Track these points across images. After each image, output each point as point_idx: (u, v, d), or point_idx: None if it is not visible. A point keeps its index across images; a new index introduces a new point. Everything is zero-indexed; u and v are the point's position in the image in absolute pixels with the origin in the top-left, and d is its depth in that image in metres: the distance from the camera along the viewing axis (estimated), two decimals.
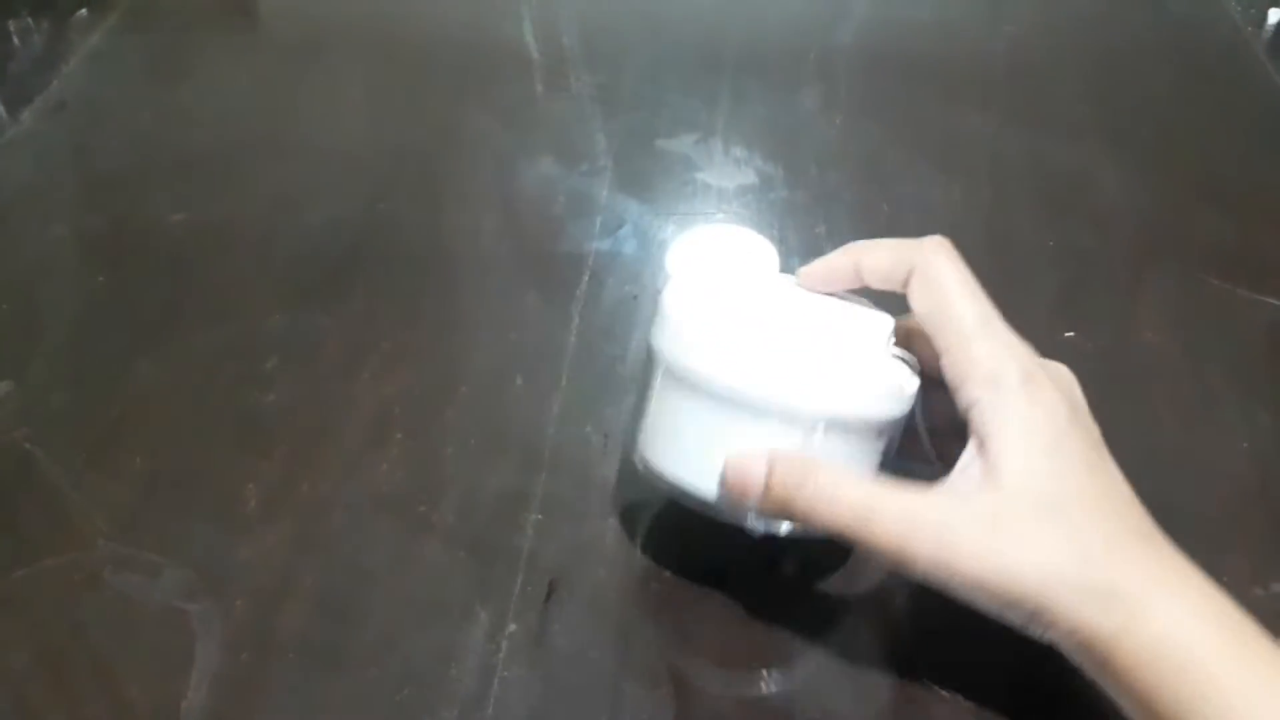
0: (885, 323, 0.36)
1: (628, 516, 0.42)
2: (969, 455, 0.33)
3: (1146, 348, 0.49)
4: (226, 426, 0.46)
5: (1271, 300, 0.51)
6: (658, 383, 0.37)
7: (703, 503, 0.36)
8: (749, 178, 0.58)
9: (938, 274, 0.34)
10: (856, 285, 0.36)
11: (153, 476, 0.43)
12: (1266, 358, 0.49)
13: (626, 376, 0.47)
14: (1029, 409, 0.32)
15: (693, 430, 0.36)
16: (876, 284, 0.35)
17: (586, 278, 0.52)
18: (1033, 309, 0.51)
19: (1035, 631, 0.31)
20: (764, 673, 0.37)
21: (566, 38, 0.68)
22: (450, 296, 0.52)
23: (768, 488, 0.33)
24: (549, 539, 0.41)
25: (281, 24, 0.74)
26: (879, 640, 0.38)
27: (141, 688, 0.37)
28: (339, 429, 0.45)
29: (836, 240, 0.53)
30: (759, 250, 0.53)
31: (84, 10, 0.72)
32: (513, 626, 0.38)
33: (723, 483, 0.34)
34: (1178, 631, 0.30)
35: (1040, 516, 0.31)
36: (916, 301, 0.34)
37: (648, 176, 0.58)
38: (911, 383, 0.35)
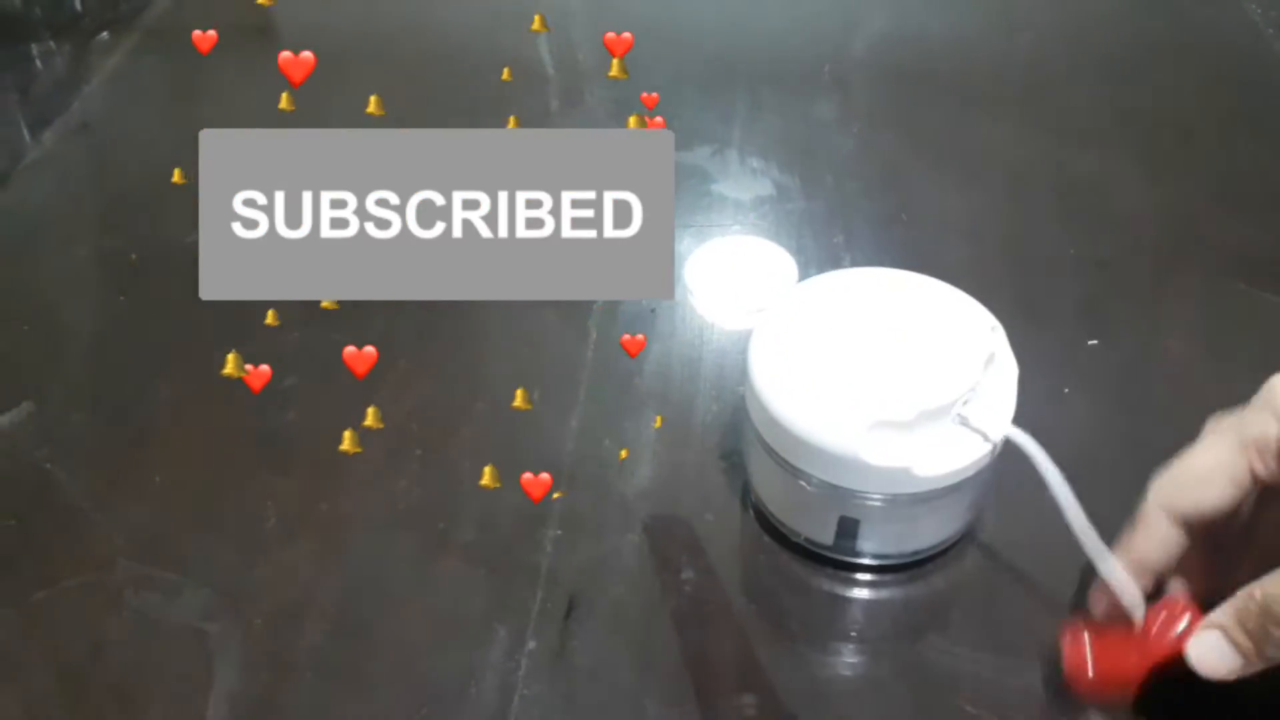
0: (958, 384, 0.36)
1: (647, 532, 0.41)
2: None
3: (1172, 355, 0.49)
4: (245, 446, 0.46)
5: None
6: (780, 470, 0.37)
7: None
8: (766, 189, 0.58)
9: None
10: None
11: (172, 496, 0.44)
12: None
13: (644, 391, 0.47)
14: None
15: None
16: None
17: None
18: (1055, 317, 0.50)
19: None
20: (786, 688, 0.37)
21: (581, 53, 0.69)
22: (466, 313, 0.52)
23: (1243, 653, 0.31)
24: (568, 555, 0.41)
25: (300, 44, 0.75)
26: (904, 656, 0.38)
27: (161, 708, 0.37)
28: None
29: (855, 250, 0.54)
30: (778, 262, 0.52)
31: (105, 33, 0.73)
32: (532, 644, 0.38)
33: (1197, 669, 0.32)
34: None
35: None
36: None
37: None
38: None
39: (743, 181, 0.58)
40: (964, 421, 0.35)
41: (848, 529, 0.38)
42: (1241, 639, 0.30)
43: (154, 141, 0.64)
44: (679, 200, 0.57)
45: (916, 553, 0.39)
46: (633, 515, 0.42)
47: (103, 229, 0.58)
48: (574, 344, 0.49)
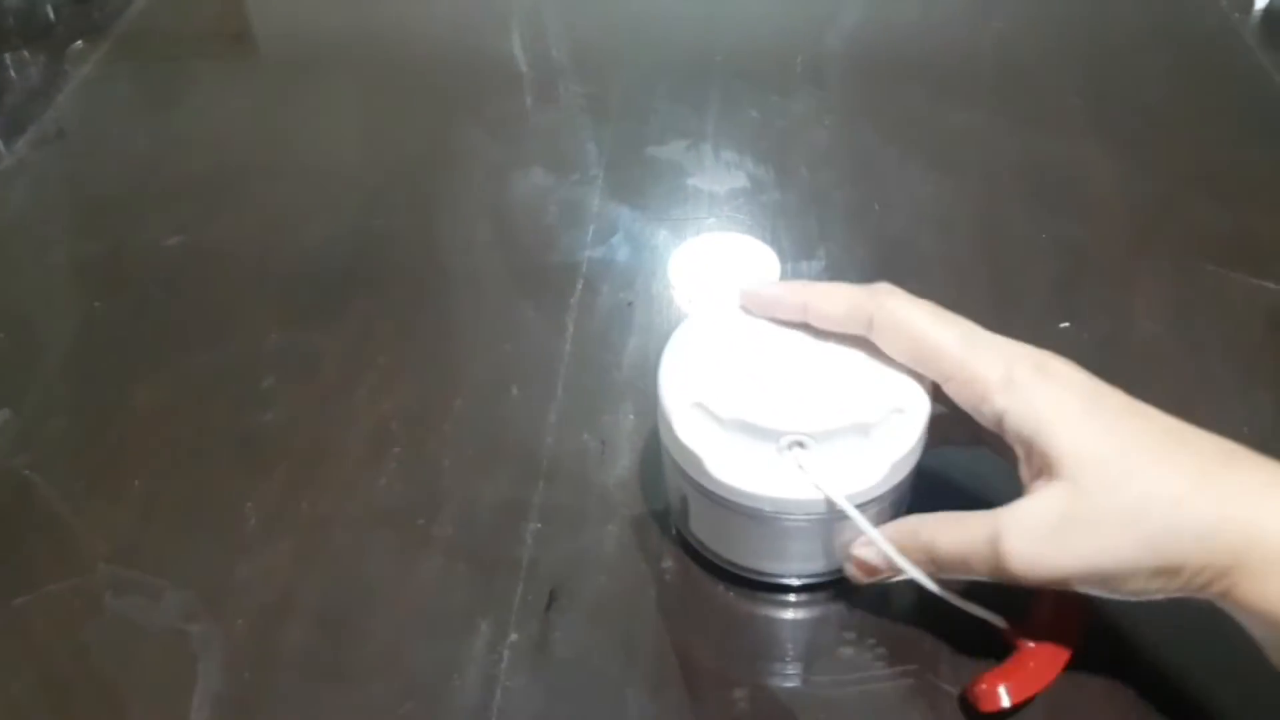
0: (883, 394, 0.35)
1: (627, 522, 0.42)
2: (1023, 465, 0.33)
3: (1144, 336, 0.49)
4: (225, 447, 0.46)
5: (1269, 284, 0.51)
6: (698, 496, 0.36)
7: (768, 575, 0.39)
8: (740, 181, 0.58)
9: (903, 317, 0.34)
10: (799, 320, 0.36)
11: (152, 499, 0.44)
12: (1265, 342, 0.49)
13: (623, 383, 0.47)
14: (1055, 390, 0.32)
15: (763, 542, 0.37)
16: (825, 327, 0.35)
17: (580, 286, 0.52)
18: (1029, 302, 0.51)
19: (1171, 590, 0.30)
20: (769, 674, 0.37)
21: (555, 50, 0.69)
22: (445, 310, 0.52)
23: (887, 569, 0.35)
24: (549, 548, 0.41)
25: (275, 47, 0.75)
26: (885, 639, 0.38)
27: (144, 710, 0.37)
28: (337, 446, 0.45)
29: (829, 241, 0.54)
30: (759, 256, 0.53)
31: (79, 41, 0.73)
32: (514, 636, 0.38)
33: (849, 575, 0.36)
34: None
35: (1113, 483, 0.30)
36: (890, 347, 0.34)
37: (639, 184, 0.58)
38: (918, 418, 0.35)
39: (717, 175, 0.59)
40: (799, 465, 0.34)
41: (682, 509, 0.38)
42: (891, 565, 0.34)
43: (129, 148, 0.64)
44: (654, 194, 0.57)
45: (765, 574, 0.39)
46: (613, 506, 0.42)
47: (78, 235, 0.58)
48: (551, 338, 0.49)
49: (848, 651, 0.38)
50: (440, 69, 0.69)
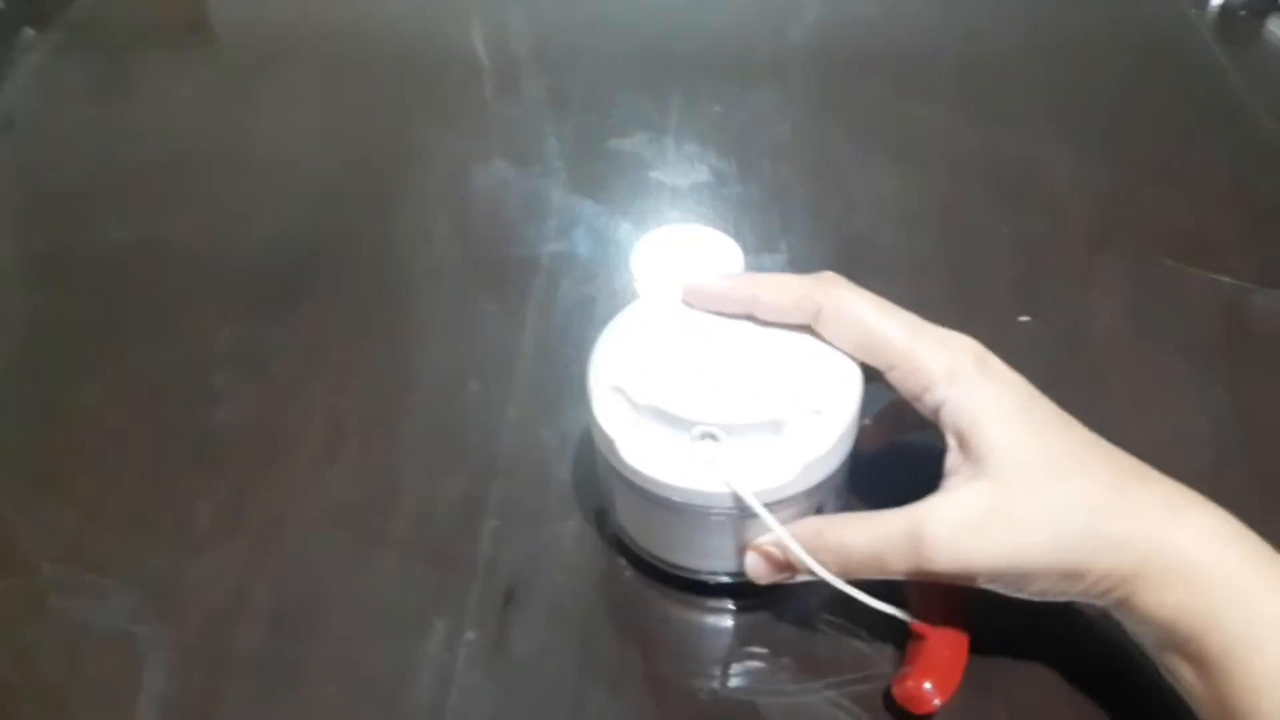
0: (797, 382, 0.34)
1: (586, 518, 0.41)
2: (953, 454, 0.33)
3: (1103, 330, 0.49)
4: (176, 445, 0.45)
5: (1226, 279, 0.51)
6: (621, 486, 0.36)
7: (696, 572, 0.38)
8: (702, 175, 0.58)
9: (851, 307, 0.34)
10: (745, 313, 0.36)
11: (100, 499, 0.43)
12: (1222, 336, 0.49)
13: (583, 378, 0.46)
14: (994, 387, 0.33)
15: (681, 535, 0.36)
16: (771, 318, 0.35)
17: (540, 280, 0.51)
18: (989, 295, 0.51)
19: (1073, 593, 0.31)
20: (728, 670, 0.37)
21: (516, 43, 0.68)
22: (402, 305, 0.51)
23: (792, 570, 0.34)
24: (507, 545, 0.41)
25: (231, 38, 0.74)
26: (842, 632, 0.38)
27: (89, 714, 0.36)
28: (291, 443, 0.44)
29: (792, 234, 0.54)
30: (723, 249, 0.52)
31: (29, 29, 0.71)
32: (470, 634, 0.38)
33: (749, 573, 0.36)
34: (1197, 552, 0.30)
35: (1038, 485, 0.31)
36: (837, 336, 0.35)
37: (601, 177, 0.57)
38: (849, 410, 0.34)
39: (679, 168, 0.58)
40: (709, 459, 0.33)
41: (610, 500, 0.38)
42: (796, 564, 0.34)
43: (80, 138, 0.63)
44: (616, 187, 0.57)
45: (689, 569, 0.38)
46: (572, 503, 0.42)
47: (27, 229, 0.56)
48: (511, 333, 0.49)
49: (810, 639, 0.37)
50: (400, 61, 0.68)
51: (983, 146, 0.60)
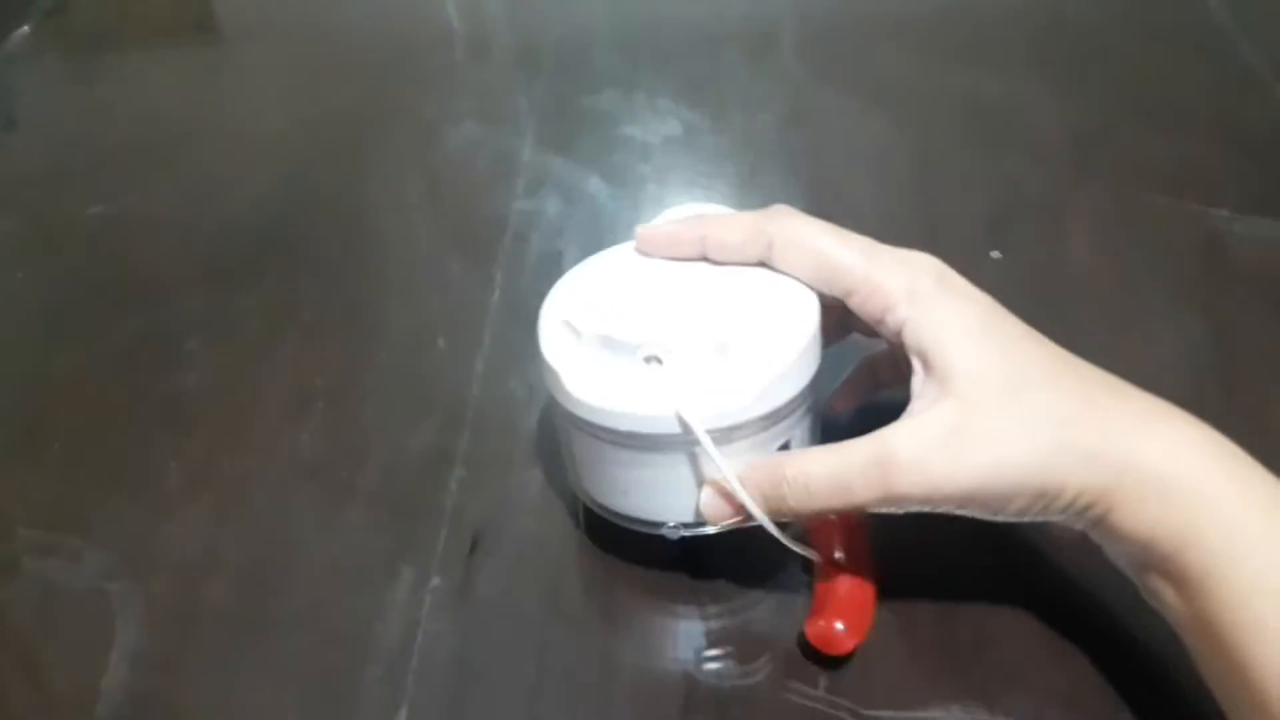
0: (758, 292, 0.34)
1: (553, 467, 0.41)
2: (918, 376, 0.32)
3: (1078, 263, 0.49)
4: (147, 408, 0.45)
5: (1205, 209, 0.51)
6: (572, 430, 0.35)
7: (655, 524, 0.36)
8: (674, 129, 0.57)
9: (803, 235, 0.34)
10: (698, 256, 0.35)
11: (73, 463, 0.43)
12: (1201, 266, 0.48)
13: None
14: (956, 303, 0.32)
15: (632, 476, 0.35)
16: (723, 258, 0.35)
17: (509, 238, 0.51)
18: (961, 233, 0.50)
19: (1051, 513, 0.30)
20: (694, 611, 0.37)
21: (488, 4, 0.68)
22: (371, 266, 0.51)
23: (748, 508, 0.33)
24: (474, 494, 0.41)
25: (204, 9, 0.74)
26: (808, 571, 0.38)
27: (62, 668, 0.36)
28: (260, 403, 0.45)
29: (765, 183, 0.54)
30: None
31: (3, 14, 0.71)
32: (436, 580, 0.38)
33: (702, 514, 0.34)
34: (1173, 466, 0.29)
35: (1005, 401, 0.30)
36: (793, 267, 0.34)
37: (571, 134, 0.57)
38: (807, 335, 0.33)
39: (651, 123, 0.58)
40: (655, 385, 0.32)
41: (570, 457, 0.37)
42: (755, 501, 0.33)
43: (51, 118, 0.63)
44: (586, 145, 0.57)
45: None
46: (539, 452, 0.42)
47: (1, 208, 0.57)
48: (478, 292, 0.49)
49: (777, 579, 0.37)
50: (372, 25, 0.68)
51: (959, 90, 0.59)
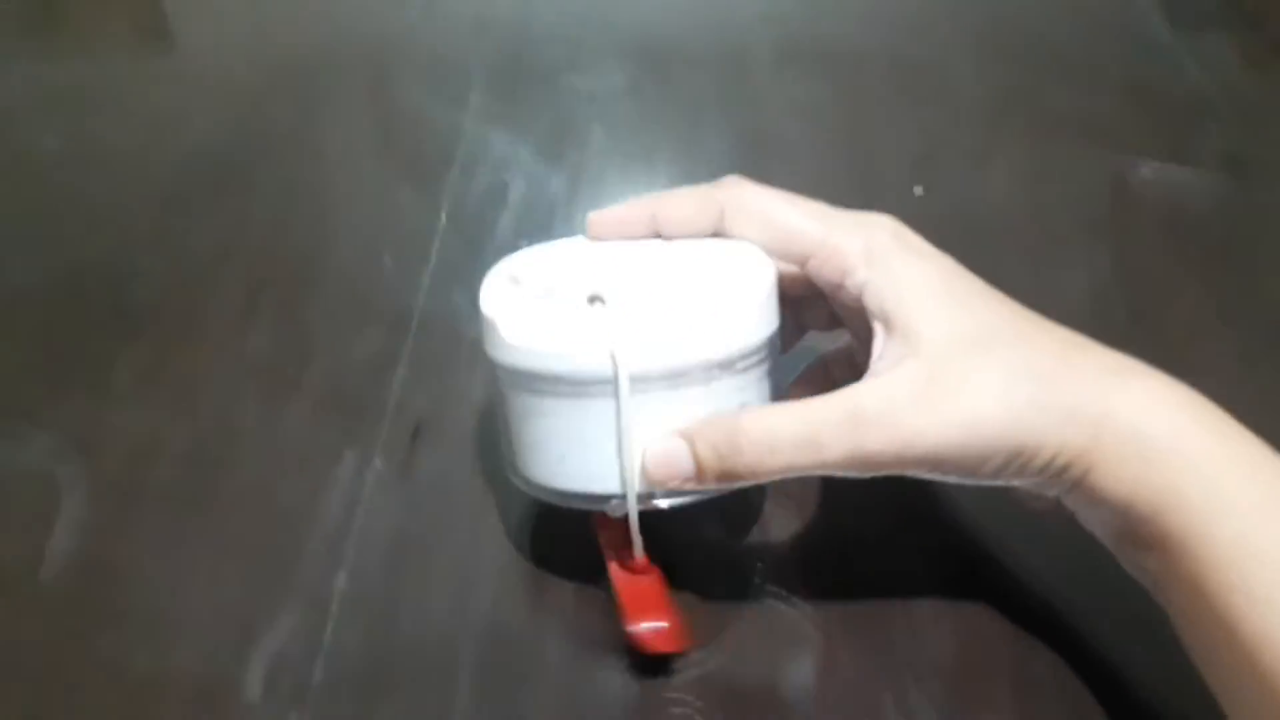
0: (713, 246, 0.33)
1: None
2: (880, 338, 0.31)
3: (996, 201, 0.52)
4: (99, 316, 0.46)
5: (1111, 154, 0.54)
6: (508, 392, 0.33)
7: (598, 499, 0.33)
8: (617, 81, 0.60)
9: (753, 202, 0.33)
10: (650, 235, 0.34)
11: (25, 366, 0.44)
12: (1105, 203, 0.52)
13: (498, 248, 0.48)
14: (916, 261, 0.31)
15: (572, 434, 0.32)
16: (677, 233, 0.34)
17: (455, 171, 0.53)
18: (886, 173, 0.53)
19: (1027, 474, 0.29)
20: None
21: None
22: (320, 198, 0.53)
23: (700, 466, 0.30)
24: (416, 391, 0.42)
25: None
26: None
27: (5, 536, 0.37)
28: (210, 312, 0.46)
29: (701, 135, 0.56)
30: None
31: None
32: (378, 463, 0.39)
33: (645, 476, 0.31)
34: (1149, 422, 0.28)
35: (973, 358, 0.29)
36: (747, 232, 0.33)
37: (518, 83, 0.60)
38: (764, 289, 0.32)
39: (594, 75, 0.60)
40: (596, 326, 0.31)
41: (507, 441, 0.35)
42: (709, 459, 0.30)
43: (8, 60, 0.64)
44: (533, 93, 0.59)
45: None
46: (482, 358, 0.43)
47: None
48: (427, 216, 0.50)
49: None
50: None
51: (889, 53, 0.62)
